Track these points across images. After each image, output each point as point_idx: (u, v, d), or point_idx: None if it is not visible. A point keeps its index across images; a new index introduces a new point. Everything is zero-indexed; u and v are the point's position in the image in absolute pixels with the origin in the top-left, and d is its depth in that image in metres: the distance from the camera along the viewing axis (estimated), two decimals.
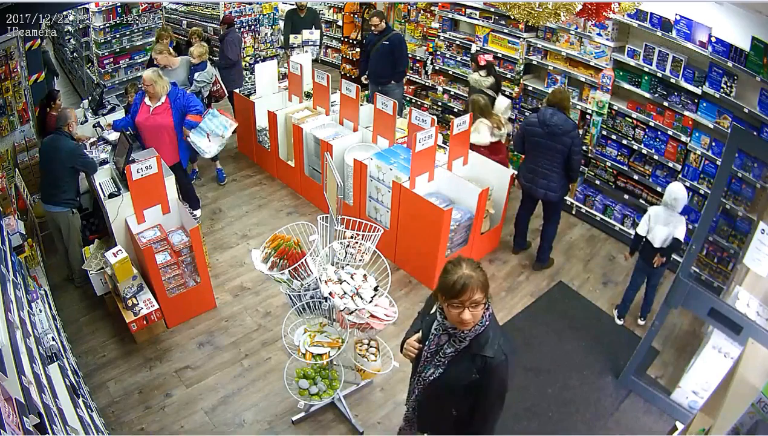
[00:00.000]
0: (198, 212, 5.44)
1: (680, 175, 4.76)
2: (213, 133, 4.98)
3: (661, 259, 4.04)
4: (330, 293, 2.85)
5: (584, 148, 5.46)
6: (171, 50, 5.83)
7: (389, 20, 7.61)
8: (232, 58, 6.67)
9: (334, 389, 3.31)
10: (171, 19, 9.08)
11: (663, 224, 3.94)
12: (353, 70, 8.60)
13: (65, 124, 4.24)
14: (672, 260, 4.95)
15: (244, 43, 7.85)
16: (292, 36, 7.18)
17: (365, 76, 6.85)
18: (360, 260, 3.04)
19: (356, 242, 3.02)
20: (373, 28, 6.39)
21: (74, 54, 8.81)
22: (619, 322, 4.46)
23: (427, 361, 2.27)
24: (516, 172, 4.95)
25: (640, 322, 4.43)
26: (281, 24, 8.03)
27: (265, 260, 3.04)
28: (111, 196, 4.17)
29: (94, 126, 5.38)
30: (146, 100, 4.77)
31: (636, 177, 5.16)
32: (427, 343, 2.27)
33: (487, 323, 2.10)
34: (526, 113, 6.01)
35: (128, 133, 4.70)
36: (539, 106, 5.79)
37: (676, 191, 3.86)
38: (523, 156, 4.86)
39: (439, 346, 2.22)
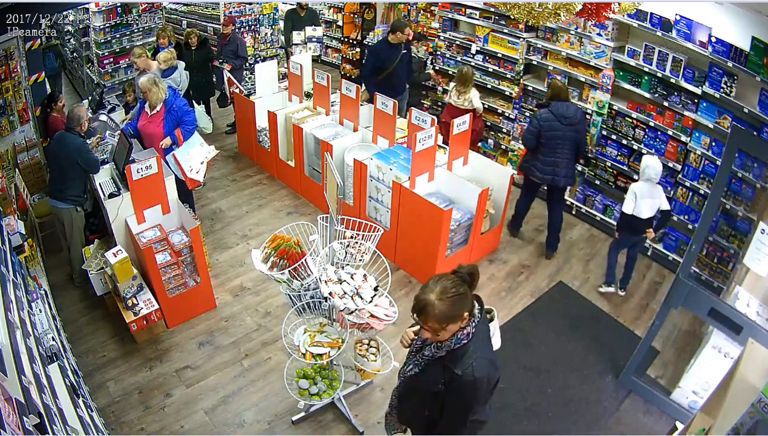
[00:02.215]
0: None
1: (680, 175, 4.77)
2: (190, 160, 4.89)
3: (652, 231, 4.31)
4: (330, 293, 2.86)
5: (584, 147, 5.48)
6: (148, 54, 5.93)
7: (389, 20, 7.62)
8: (246, 56, 7.02)
9: (334, 389, 3.30)
10: (171, 19, 9.07)
11: (649, 197, 4.15)
12: (353, 70, 8.59)
13: (78, 124, 4.26)
14: (670, 260, 4.94)
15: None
16: (294, 33, 7.20)
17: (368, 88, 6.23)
18: (360, 260, 3.04)
19: (356, 242, 3.02)
20: (405, 38, 5.97)
21: (74, 54, 8.80)
22: (610, 289, 4.66)
23: (411, 356, 2.30)
24: (517, 170, 5.04)
25: (621, 293, 4.65)
26: (281, 24, 8.04)
27: (265, 260, 3.04)
28: (111, 196, 4.17)
29: None
30: (146, 106, 4.76)
31: (636, 177, 5.16)
32: (417, 338, 2.30)
33: (464, 341, 2.07)
34: (527, 113, 6.01)
35: (128, 133, 4.70)
36: (540, 102, 5.79)
37: (656, 164, 4.09)
38: (524, 151, 5.02)
39: (424, 345, 2.24)
